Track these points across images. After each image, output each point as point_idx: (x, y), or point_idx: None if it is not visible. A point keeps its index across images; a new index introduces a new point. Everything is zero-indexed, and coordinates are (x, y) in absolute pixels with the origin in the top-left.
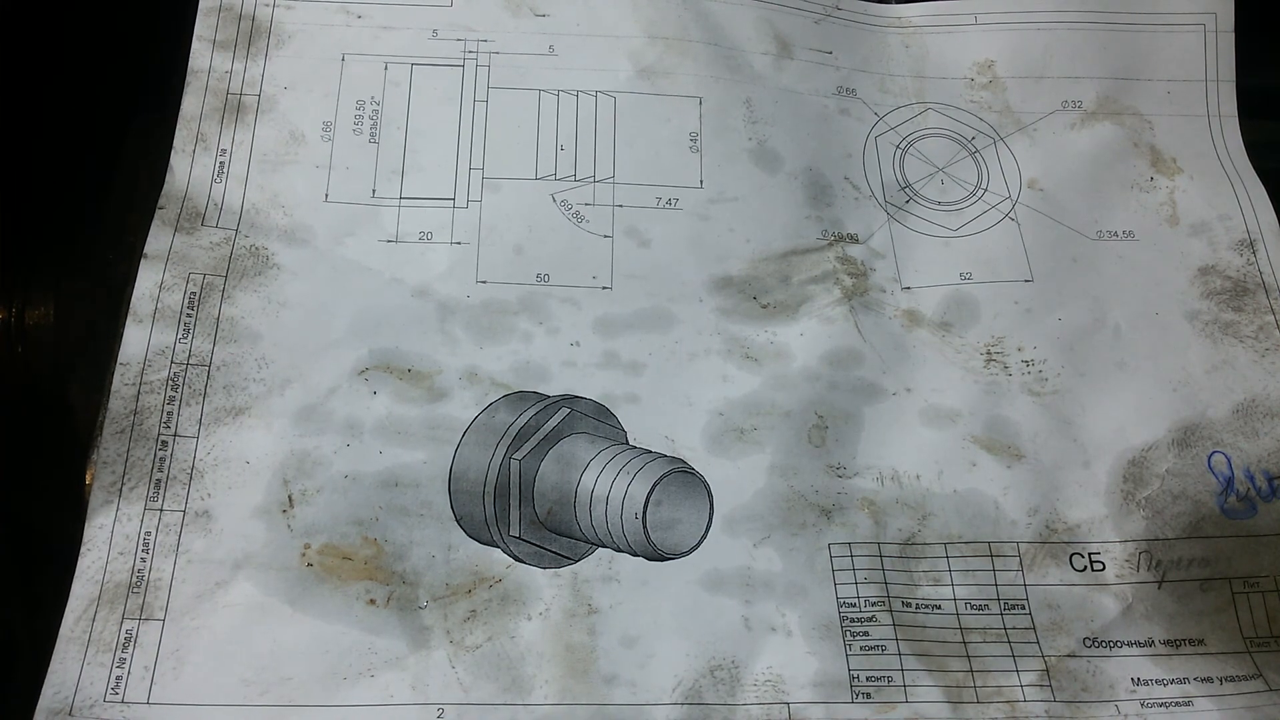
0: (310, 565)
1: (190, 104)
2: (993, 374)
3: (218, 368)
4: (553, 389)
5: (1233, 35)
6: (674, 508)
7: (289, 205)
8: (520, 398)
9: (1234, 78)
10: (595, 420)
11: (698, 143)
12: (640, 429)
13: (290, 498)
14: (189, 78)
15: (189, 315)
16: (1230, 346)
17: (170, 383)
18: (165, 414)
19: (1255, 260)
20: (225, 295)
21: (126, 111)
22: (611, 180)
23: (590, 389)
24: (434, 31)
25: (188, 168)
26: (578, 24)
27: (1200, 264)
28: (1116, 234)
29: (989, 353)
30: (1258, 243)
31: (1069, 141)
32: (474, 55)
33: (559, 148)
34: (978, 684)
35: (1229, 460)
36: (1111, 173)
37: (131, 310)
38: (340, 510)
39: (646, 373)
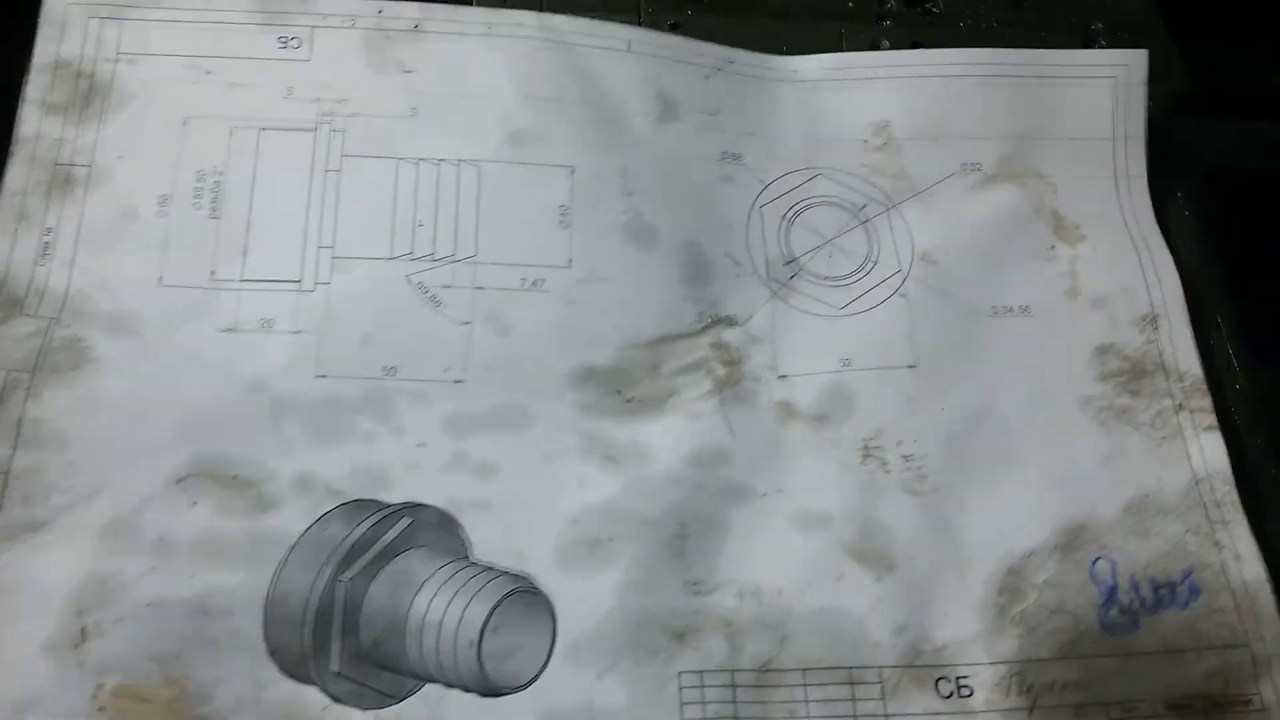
0: (102, 709)
1: (15, 176)
2: (870, 471)
3: (16, 476)
4: (395, 496)
5: (1145, 89)
6: (514, 633)
7: (117, 290)
8: (358, 507)
9: (1144, 134)
10: (439, 531)
11: (567, 217)
12: (488, 541)
13: (84, 630)
14: (15, 146)
15: None
16: (1124, 435)
17: None
18: None
19: (1156, 338)
20: (31, 393)
21: None
22: (473, 259)
23: (436, 495)
24: (288, 90)
25: (9, 249)
26: (444, 83)
27: (1099, 341)
28: (1012, 309)
29: (866, 447)
30: (1160, 318)
31: (967, 208)
32: (329, 118)
33: (417, 223)
34: None
35: (1114, 567)
36: (1010, 241)
37: None
38: (140, 644)
39: (499, 476)
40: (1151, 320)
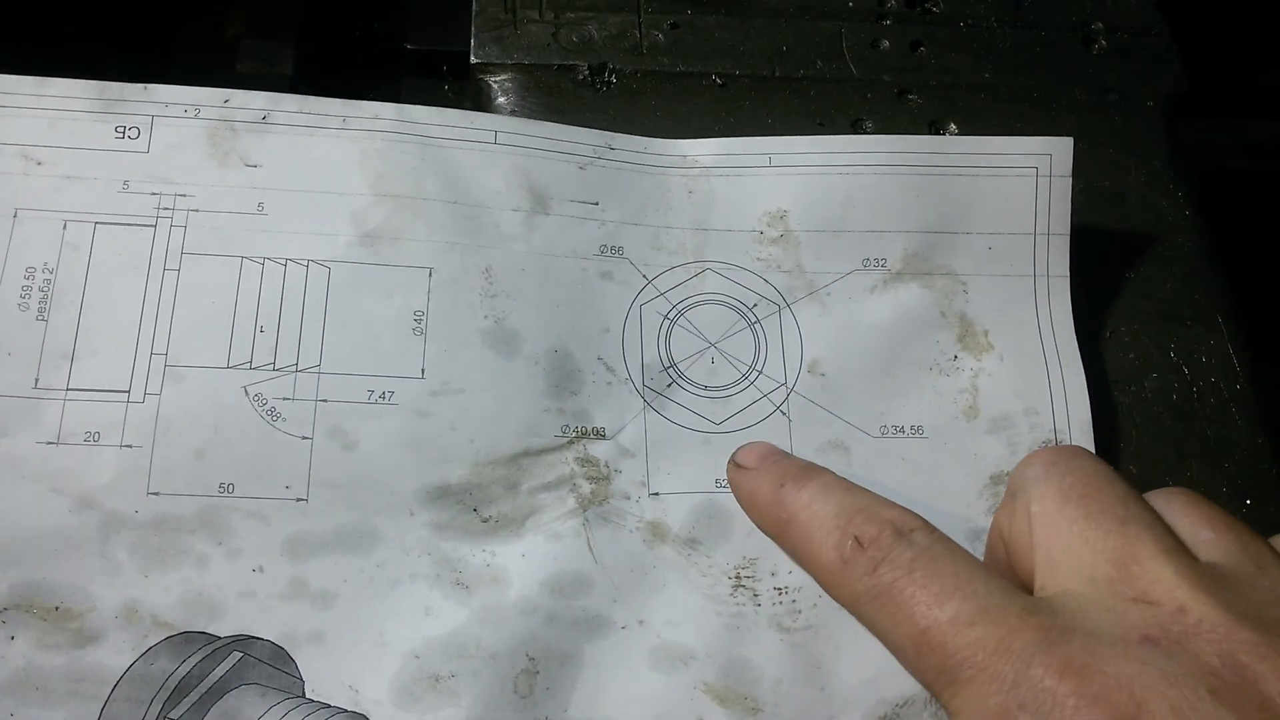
0: None
1: None
2: (739, 604)
3: None
4: (225, 628)
5: (1069, 180)
6: None
7: None
8: (186, 640)
9: (1068, 230)
10: (270, 668)
11: (423, 323)
12: (322, 676)
13: None
14: None
15: None
16: None
17: None
18: None
19: None
20: None
21: None
22: (317, 369)
23: (270, 627)
24: (125, 183)
25: None
26: (294, 178)
27: (994, 470)
28: (904, 430)
29: (738, 577)
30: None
31: (865, 310)
32: (169, 213)
33: (258, 329)
34: None
35: None
36: (909, 351)
37: None
38: None
39: (338, 604)
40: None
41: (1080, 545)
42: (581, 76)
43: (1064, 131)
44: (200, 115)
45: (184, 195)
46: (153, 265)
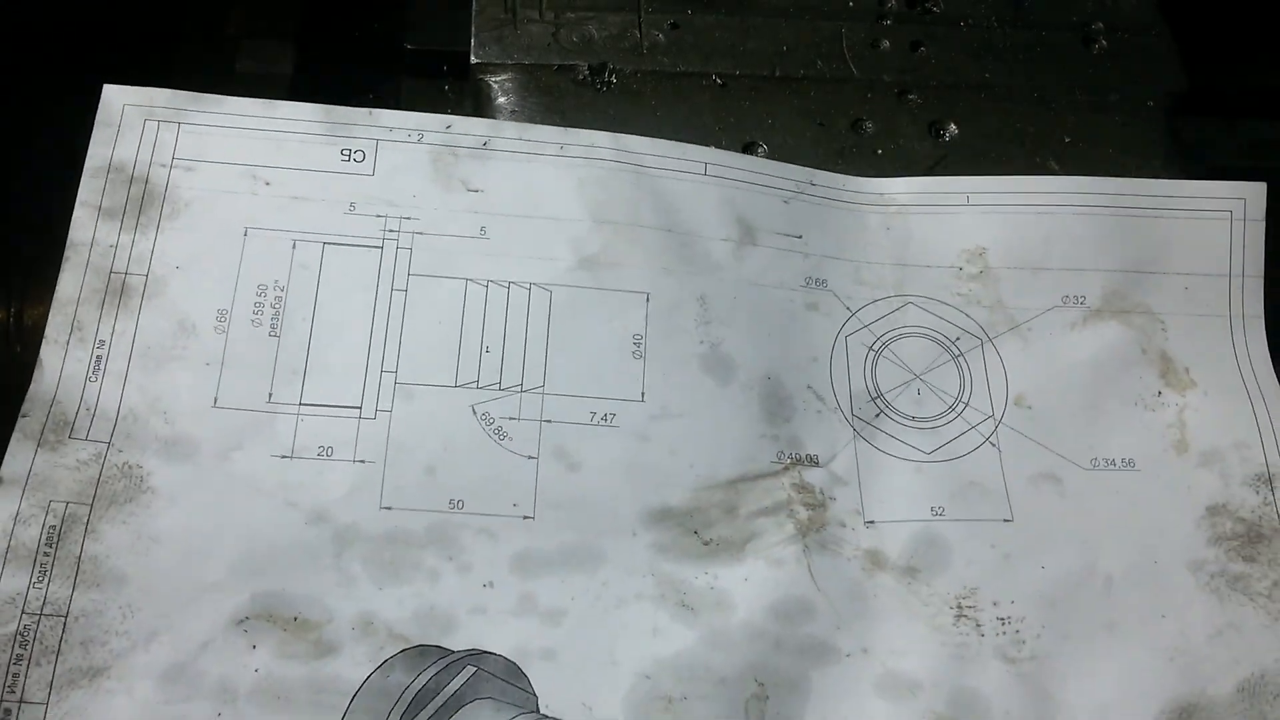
0: None
1: (67, 284)
2: (963, 633)
3: (75, 618)
4: (458, 641)
5: (1263, 224)
6: None
7: (171, 411)
8: (421, 653)
9: (1262, 272)
10: (503, 683)
11: (641, 347)
12: (554, 693)
13: None
14: (68, 251)
15: (46, 555)
16: (1238, 606)
17: (19, 638)
18: (10, 675)
19: (1273, 499)
20: (90, 529)
21: None
22: (541, 390)
23: (501, 642)
24: (351, 205)
25: (59, 362)
26: (515, 203)
27: (1210, 501)
28: (1114, 463)
29: (960, 606)
30: (1278, 478)
31: (1067, 345)
32: (394, 235)
33: (484, 349)
34: None
35: None
36: (1114, 386)
37: None
38: None
39: (566, 622)
40: (1268, 480)
41: None
42: (581, 76)
43: (1064, 131)
44: (424, 140)
45: (409, 218)
46: (380, 285)
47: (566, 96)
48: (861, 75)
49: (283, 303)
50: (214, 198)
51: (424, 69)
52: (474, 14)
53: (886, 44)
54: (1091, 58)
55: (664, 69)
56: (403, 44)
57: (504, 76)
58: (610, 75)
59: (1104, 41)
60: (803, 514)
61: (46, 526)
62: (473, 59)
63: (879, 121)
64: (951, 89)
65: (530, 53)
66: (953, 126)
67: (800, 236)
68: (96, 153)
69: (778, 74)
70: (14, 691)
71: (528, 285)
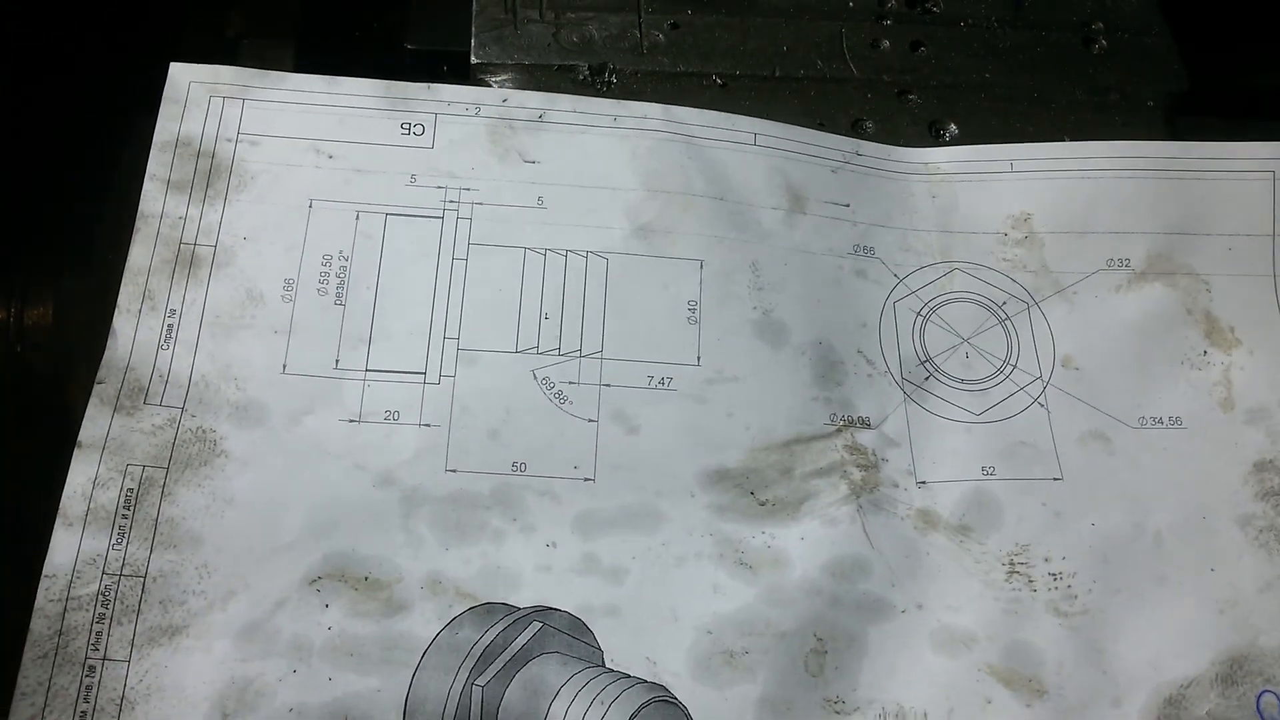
0: None
1: (138, 254)
2: (1015, 589)
3: (154, 579)
4: (524, 599)
5: None
6: None
7: (242, 378)
8: (488, 611)
9: None
10: (569, 637)
11: (696, 312)
12: (619, 648)
13: None
14: (139, 223)
15: (124, 517)
16: None
17: (101, 597)
18: (94, 634)
19: None
20: (166, 492)
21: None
22: (599, 355)
23: (566, 599)
24: (412, 177)
25: (132, 331)
26: (571, 173)
27: (1257, 458)
28: (1161, 421)
29: (1012, 563)
30: None
31: (1113, 307)
32: (455, 205)
33: (543, 316)
34: None
35: None
36: (1159, 346)
37: (61, 511)
38: None
39: (629, 580)
40: None
41: None
42: (581, 76)
43: (1064, 131)
44: (481, 114)
45: (468, 189)
46: (441, 254)
47: None
48: (861, 75)
49: (347, 272)
50: (279, 171)
51: (424, 69)
52: (474, 14)
53: (886, 44)
54: (1091, 58)
55: (664, 69)
56: (403, 44)
57: (504, 77)
58: (610, 75)
59: (1104, 41)
60: (856, 475)
61: (124, 489)
62: (473, 59)
63: (879, 121)
64: (951, 89)
65: (530, 53)
66: (953, 126)
67: (848, 205)
68: (165, 127)
69: (778, 74)
70: (98, 649)
71: (584, 253)
